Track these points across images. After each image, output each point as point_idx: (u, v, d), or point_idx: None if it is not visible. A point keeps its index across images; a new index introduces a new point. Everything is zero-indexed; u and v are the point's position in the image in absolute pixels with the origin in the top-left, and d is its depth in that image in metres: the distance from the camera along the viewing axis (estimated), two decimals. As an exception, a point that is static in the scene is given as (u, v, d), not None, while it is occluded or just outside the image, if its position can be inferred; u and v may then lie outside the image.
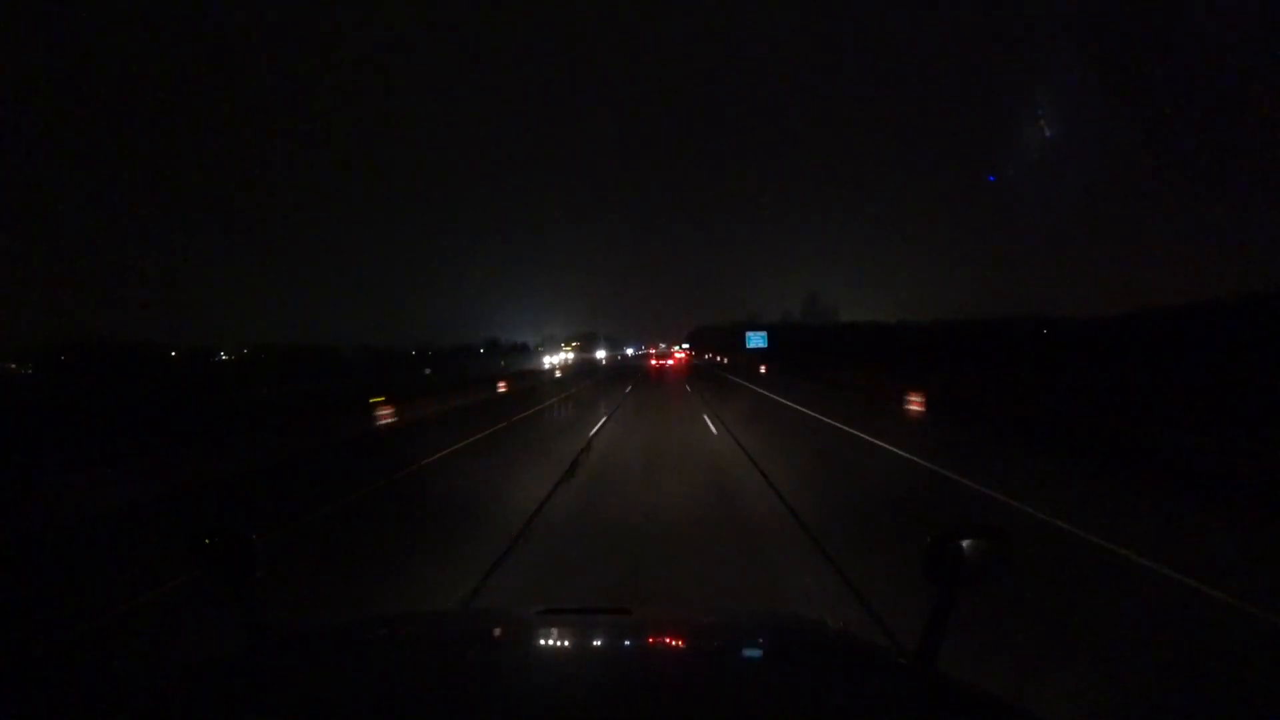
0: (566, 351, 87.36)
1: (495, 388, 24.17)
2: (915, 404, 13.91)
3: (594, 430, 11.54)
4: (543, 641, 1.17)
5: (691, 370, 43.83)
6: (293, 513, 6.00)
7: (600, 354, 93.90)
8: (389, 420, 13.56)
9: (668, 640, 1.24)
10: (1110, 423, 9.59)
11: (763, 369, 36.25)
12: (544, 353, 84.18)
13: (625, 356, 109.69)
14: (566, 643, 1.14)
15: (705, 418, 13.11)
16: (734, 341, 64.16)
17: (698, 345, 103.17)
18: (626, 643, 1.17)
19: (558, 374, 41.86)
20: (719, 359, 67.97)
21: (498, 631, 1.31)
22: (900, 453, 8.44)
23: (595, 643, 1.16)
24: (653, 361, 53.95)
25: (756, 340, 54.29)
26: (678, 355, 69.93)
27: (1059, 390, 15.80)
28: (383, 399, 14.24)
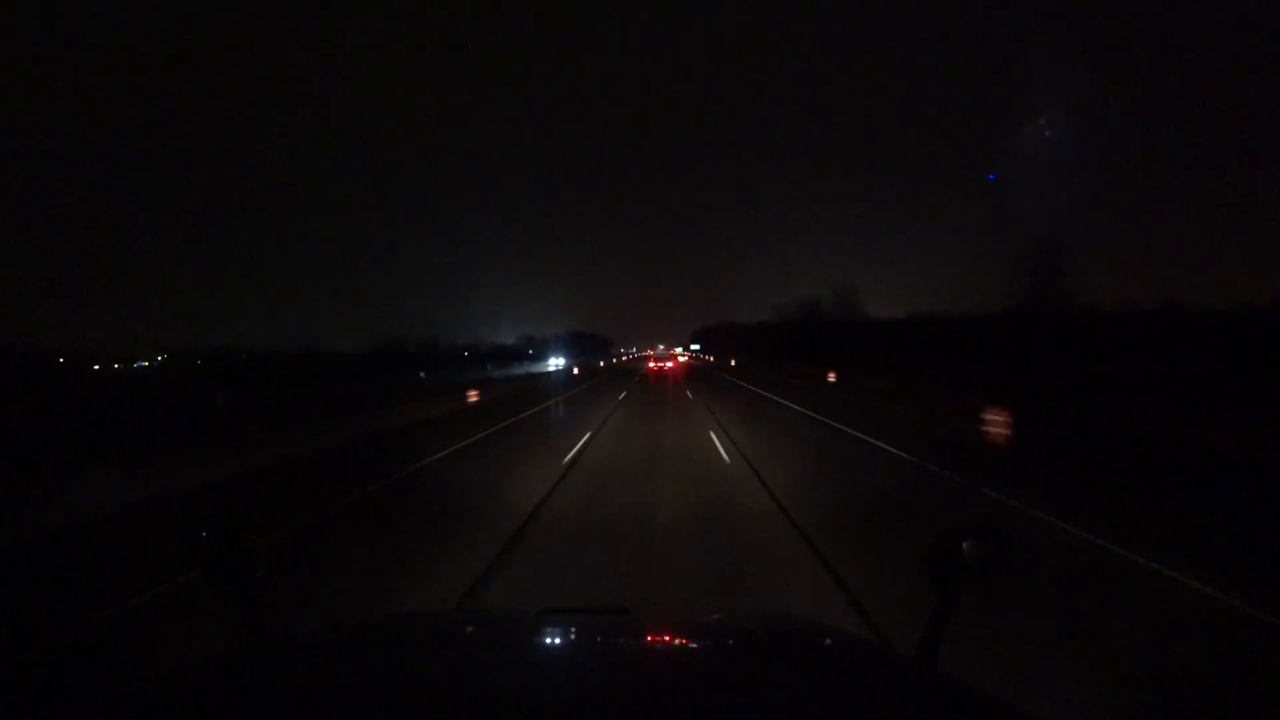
0: None
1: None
2: (997, 423, 9.43)
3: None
4: (543, 642, 1.16)
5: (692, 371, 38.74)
6: None
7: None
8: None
9: (667, 640, 1.22)
10: None
11: (733, 362, 30.82)
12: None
13: (576, 367, 52.53)
14: (566, 643, 1.13)
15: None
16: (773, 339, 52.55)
17: (713, 346, 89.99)
18: (626, 643, 1.15)
19: None
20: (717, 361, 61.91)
21: (498, 632, 1.29)
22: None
23: (595, 643, 1.14)
24: (651, 364, 49.69)
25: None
26: (679, 358, 68.06)
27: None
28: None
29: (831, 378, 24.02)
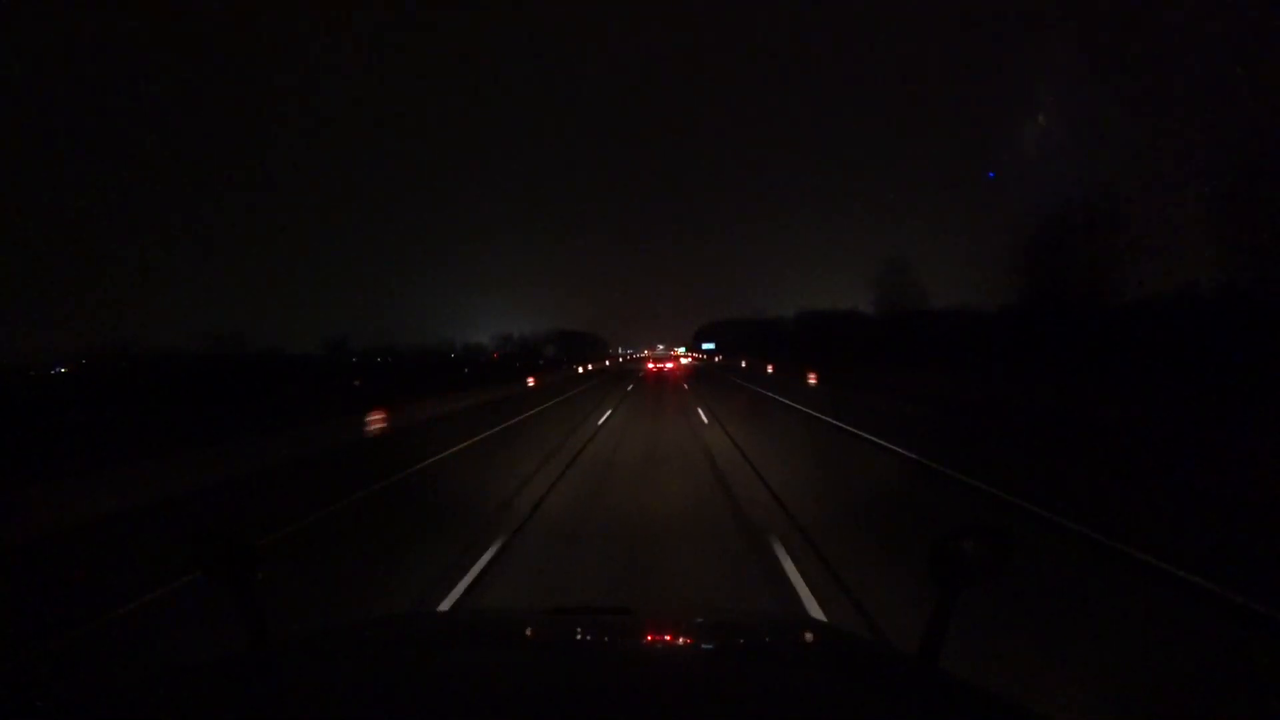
0: None
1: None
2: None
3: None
4: (544, 641, 1.15)
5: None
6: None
7: None
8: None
9: (669, 640, 1.22)
10: None
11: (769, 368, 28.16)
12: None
13: None
14: (568, 642, 1.12)
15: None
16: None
17: (729, 347, 77.67)
18: (628, 643, 1.15)
19: None
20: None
21: (499, 632, 1.28)
22: None
23: (597, 643, 1.14)
24: (650, 365, 49.15)
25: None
26: (681, 359, 66.50)
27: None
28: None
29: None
